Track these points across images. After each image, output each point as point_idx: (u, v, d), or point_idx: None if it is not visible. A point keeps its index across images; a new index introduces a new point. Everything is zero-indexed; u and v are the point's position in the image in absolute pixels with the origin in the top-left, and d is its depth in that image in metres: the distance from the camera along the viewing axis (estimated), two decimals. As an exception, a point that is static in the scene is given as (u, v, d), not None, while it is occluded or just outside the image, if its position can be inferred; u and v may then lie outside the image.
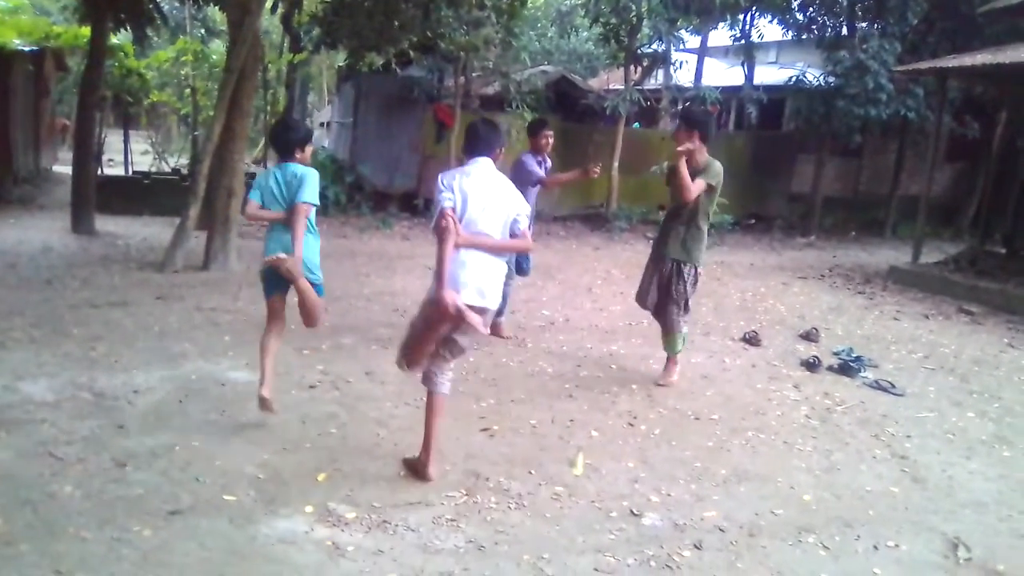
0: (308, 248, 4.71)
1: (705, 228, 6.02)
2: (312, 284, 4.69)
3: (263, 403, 4.64)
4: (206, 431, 4.69)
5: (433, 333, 4.21)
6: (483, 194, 4.17)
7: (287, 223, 4.63)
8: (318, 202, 4.76)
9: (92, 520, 3.61)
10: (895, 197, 16.28)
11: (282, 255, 4.52)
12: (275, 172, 4.71)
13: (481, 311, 4.10)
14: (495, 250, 4.20)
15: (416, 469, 4.29)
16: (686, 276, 6.02)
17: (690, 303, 6.15)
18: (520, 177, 6.62)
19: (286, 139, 4.76)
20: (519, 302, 8.66)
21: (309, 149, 4.86)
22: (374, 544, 3.59)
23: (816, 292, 10.42)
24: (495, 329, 6.88)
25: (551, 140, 7.08)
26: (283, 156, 4.75)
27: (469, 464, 4.48)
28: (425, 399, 4.41)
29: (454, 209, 4.07)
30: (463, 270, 4.08)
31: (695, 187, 5.65)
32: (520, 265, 7.11)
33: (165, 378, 5.52)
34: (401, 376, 5.88)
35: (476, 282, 4.11)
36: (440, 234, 4.03)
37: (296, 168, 4.67)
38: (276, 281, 4.71)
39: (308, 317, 4.77)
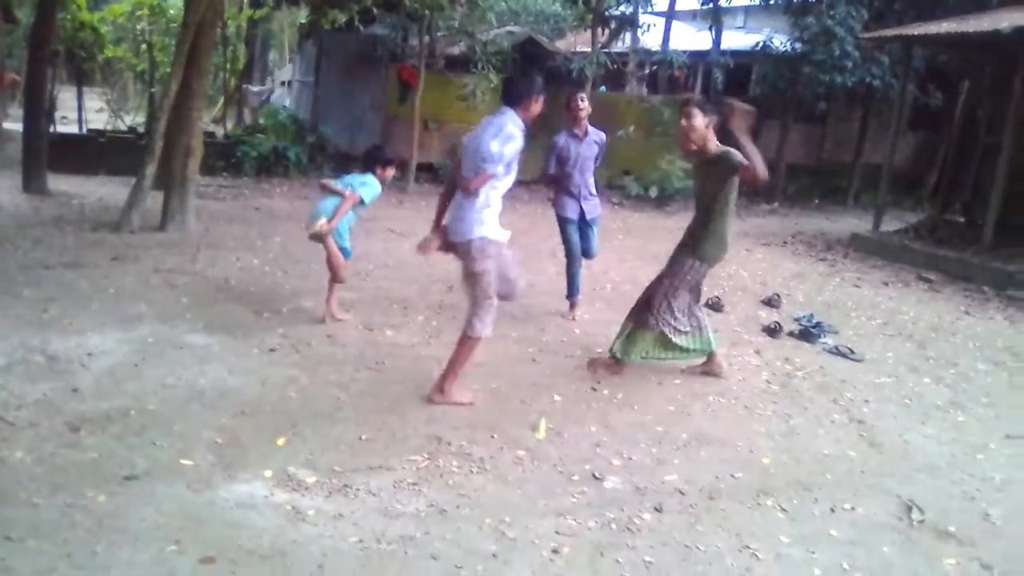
0: (343, 220, 5.94)
1: (726, 223, 5.33)
2: (340, 247, 6.00)
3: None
4: (163, 395, 4.61)
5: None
6: (470, 141, 4.71)
7: (338, 199, 5.90)
8: (367, 200, 5.98)
9: (44, 486, 3.53)
10: (858, 165, 16.41)
11: (322, 221, 5.81)
12: (358, 176, 6.07)
13: (456, 245, 4.69)
14: (462, 191, 4.67)
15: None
16: (684, 268, 5.38)
17: (681, 310, 5.45)
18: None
19: (374, 156, 6.16)
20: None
21: (390, 171, 6.25)
22: (334, 508, 3.56)
23: (778, 259, 10.50)
24: (571, 309, 6.97)
25: (580, 108, 6.61)
26: (366, 168, 6.10)
27: (431, 428, 4.46)
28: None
29: (458, 155, 4.83)
30: (450, 211, 4.78)
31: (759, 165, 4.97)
32: (586, 249, 6.92)
33: (121, 340, 5.40)
34: (363, 340, 5.85)
35: (450, 220, 4.74)
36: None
37: (370, 178, 6.02)
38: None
39: (334, 272, 6.06)
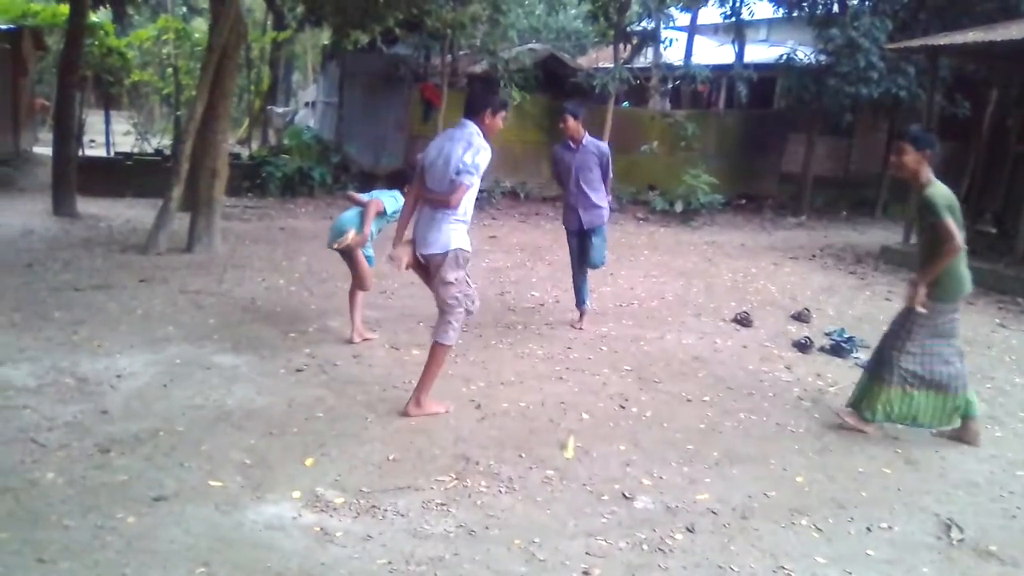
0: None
1: (950, 260, 4.68)
2: (365, 256, 6.06)
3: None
4: (191, 416, 4.62)
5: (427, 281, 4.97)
6: (435, 154, 4.70)
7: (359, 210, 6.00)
8: (389, 211, 5.89)
9: (75, 507, 3.53)
10: (886, 176, 16.24)
11: (351, 233, 5.85)
12: (385, 191, 6.08)
13: (429, 258, 4.70)
14: (432, 204, 4.70)
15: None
16: (915, 314, 4.79)
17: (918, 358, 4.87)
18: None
19: (402, 175, 6.29)
20: (508, 283, 8.60)
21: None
22: (363, 529, 3.53)
23: (807, 272, 10.39)
24: (579, 319, 7.03)
25: (565, 124, 6.66)
26: (392, 186, 6.16)
27: (459, 448, 4.42)
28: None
29: (420, 170, 4.78)
30: (416, 225, 4.81)
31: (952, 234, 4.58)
32: (587, 259, 6.89)
33: (149, 362, 5.43)
34: (389, 359, 5.84)
35: (420, 234, 4.74)
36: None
37: (396, 192, 6.01)
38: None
39: (360, 281, 6.09)
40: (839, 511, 3.99)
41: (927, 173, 4.80)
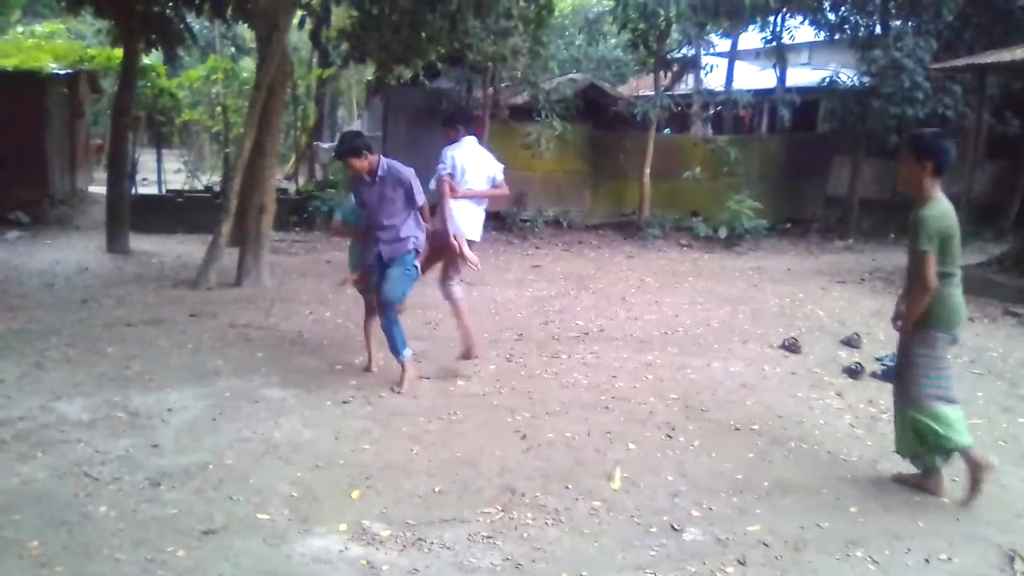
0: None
1: (941, 285, 4.32)
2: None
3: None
4: (239, 449, 4.67)
5: (433, 261, 6.35)
6: (471, 160, 6.24)
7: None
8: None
9: (126, 541, 3.59)
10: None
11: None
12: None
13: (470, 243, 6.19)
14: (480, 198, 6.36)
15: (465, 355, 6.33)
16: (917, 340, 4.49)
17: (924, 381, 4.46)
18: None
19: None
20: (552, 312, 8.58)
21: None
22: (409, 563, 3.52)
23: (856, 296, 10.21)
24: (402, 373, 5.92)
25: (350, 167, 5.87)
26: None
27: (504, 479, 4.40)
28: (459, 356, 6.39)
29: (451, 175, 6.17)
30: (460, 216, 6.15)
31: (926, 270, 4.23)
32: (385, 291, 5.77)
33: (198, 396, 5.52)
34: (434, 390, 5.85)
35: (468, 223, 6.24)
36: (443, 192, 6.14)
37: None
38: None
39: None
40: (896, 542, 3.88)
41: (930, 188, 4.32)
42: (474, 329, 6.45)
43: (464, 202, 6.28)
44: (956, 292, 4.41)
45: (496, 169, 6.41)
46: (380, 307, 5.87)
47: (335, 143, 23.42)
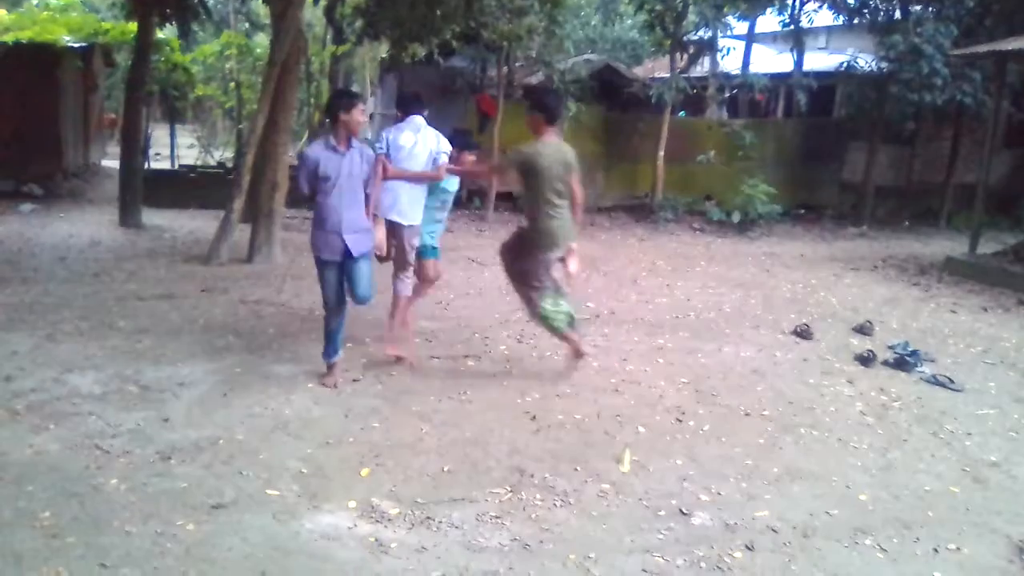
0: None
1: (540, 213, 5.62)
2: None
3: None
4: (249, 424, 4.69)
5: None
6: (411, 141, 5.85)
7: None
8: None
9: (137, 514, 3.61)
10: (950, 185, 15.79)
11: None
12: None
13: (399, 226, 5.76)
14: (412, 180, 5.78)
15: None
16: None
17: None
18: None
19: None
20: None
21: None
22: (417, 541, 3.53)
23: (869, 284, 10.15)
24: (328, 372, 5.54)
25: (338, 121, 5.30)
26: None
27: (514, 460, 4.41)
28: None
29: (387, 155, 5.76)
30: (387, 196, 5.69)
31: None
32: (361, 291, 5.39)
33: (209, 370, 5.53)
34: (445, 370, 5.85)
35: (396, 204, 5.73)
36: (376, 171, 5.53)
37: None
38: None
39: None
40: (904, 531, 3.87)
41: (544, 133, 5.63)
42: (410, 333, 6.19)
43: (401, 183, 5.72)
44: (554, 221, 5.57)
45: (442, 148, 5.91)
46: (340, 308, 5.42)
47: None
